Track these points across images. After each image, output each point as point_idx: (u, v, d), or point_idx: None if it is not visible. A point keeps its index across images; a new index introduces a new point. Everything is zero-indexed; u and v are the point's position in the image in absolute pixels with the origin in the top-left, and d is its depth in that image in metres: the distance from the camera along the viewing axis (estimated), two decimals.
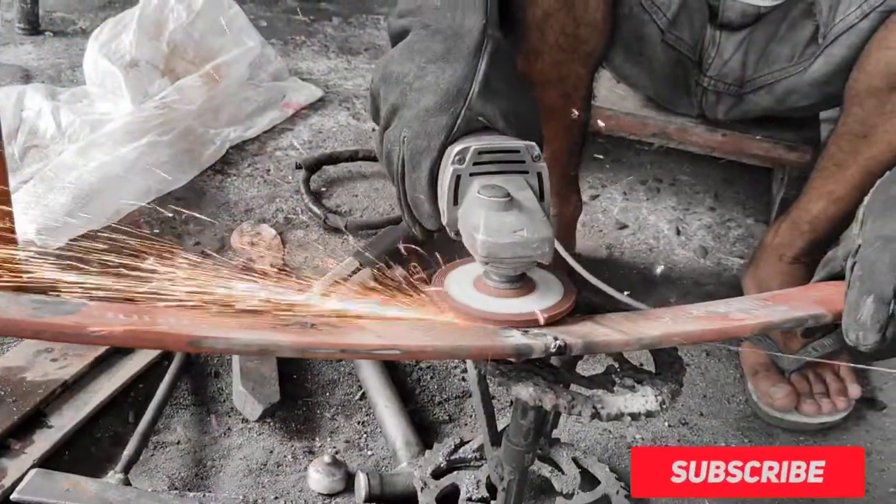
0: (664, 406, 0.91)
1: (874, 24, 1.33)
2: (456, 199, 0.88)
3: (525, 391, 0.85)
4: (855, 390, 1.43)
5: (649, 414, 0.89)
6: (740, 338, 1.49)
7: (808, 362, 1.45)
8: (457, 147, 0.88)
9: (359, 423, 1.34)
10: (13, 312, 0.69)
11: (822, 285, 0.99)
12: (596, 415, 0.87)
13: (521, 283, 0.89)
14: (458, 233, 0.90)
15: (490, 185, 0.85)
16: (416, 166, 0.91)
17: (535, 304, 0.87)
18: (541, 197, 0.89)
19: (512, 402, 1.05)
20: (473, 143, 0.87)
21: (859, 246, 0.89)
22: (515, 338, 0.84)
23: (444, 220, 0.90)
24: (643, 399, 0.89)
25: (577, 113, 1.45)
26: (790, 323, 0.94)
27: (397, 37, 1.03)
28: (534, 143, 0.89)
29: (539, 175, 0.89)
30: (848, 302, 0.85)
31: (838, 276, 0.95)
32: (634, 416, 0.88)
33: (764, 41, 1.52)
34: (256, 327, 0.81)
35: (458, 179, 0.87)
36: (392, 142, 0.94)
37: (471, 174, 0.87)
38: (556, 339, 0.83)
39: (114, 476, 1.10)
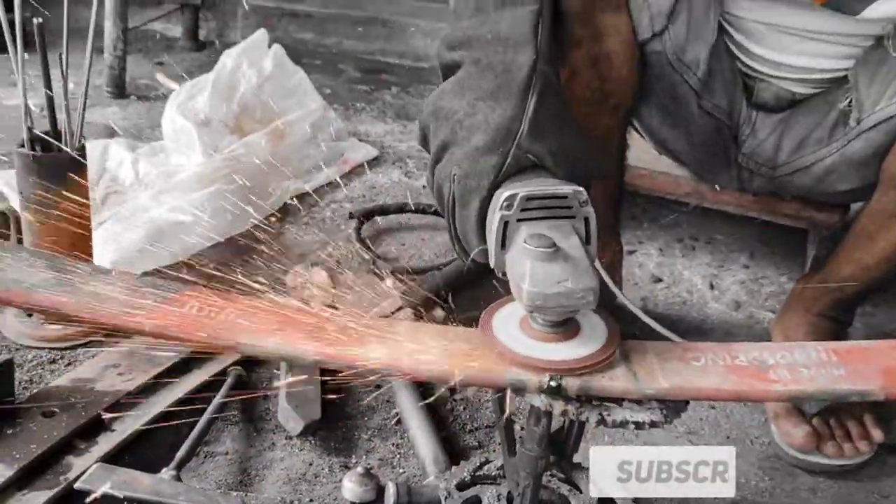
0: (668, 419, 0.98)
1: None
2: (503, 244, 0.91)
3: (537, 398, 0.93)
4: (877, 434, 1.46)
5: (653, 424, 0.96)
6: (760, 401, 1.49)
7: (829, 407, 1.50)
8: (505, 193, 0.90)
9: (393, 444, 1.43)
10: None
11: None
12: (602, 421, 0.94)
13: (566, 327, 0.93)
14: (504, 274, 0.93)
15: (536, 235, 0.87)
16: (465, 205, 0.95)
17: (575, 351, 0.92)
18: (587, 241, 0.92)
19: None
20: (521, 190, 0.90)
21: None
22: (513, 372, 0.91)
23: (493, 262, 0.93)
24: (648, 411, 0.96)
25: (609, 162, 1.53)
26: (826, 395, 0.94)
27: (448, 69, 1.05)
28: (581, 189, 0.91)
29: (586, 220, 0.92)
30: None
31: None
32: (639, 425, 0.94)
33: (802, 129, 1.55)
34: (293, 337, 0.95)
35: (505, 225, 0.90)
36: (443, 178, 0.97)
37: (518, 220, 0.90)
38: (551, 378, 0.90)
39: (167, 473, 1.21)
